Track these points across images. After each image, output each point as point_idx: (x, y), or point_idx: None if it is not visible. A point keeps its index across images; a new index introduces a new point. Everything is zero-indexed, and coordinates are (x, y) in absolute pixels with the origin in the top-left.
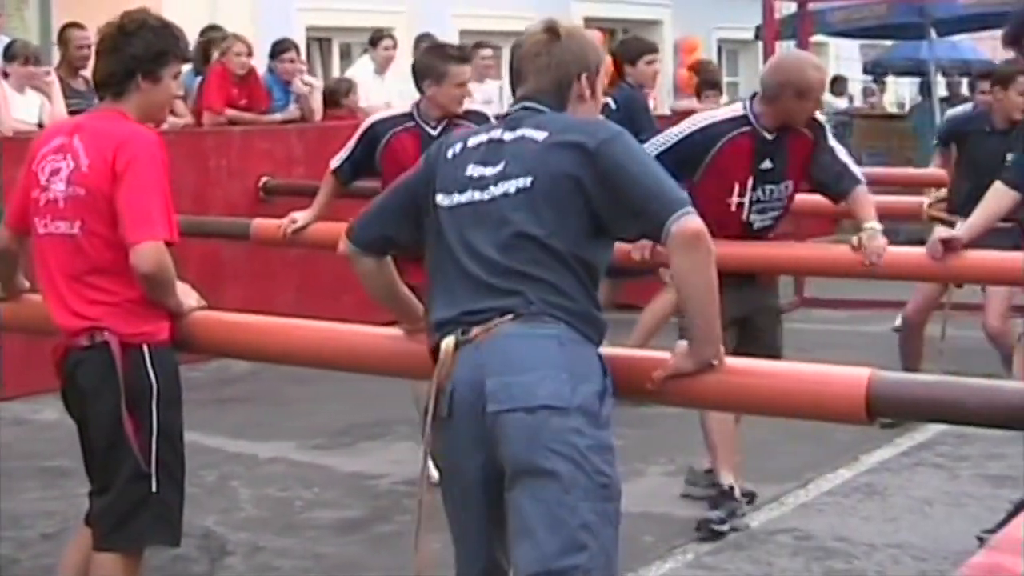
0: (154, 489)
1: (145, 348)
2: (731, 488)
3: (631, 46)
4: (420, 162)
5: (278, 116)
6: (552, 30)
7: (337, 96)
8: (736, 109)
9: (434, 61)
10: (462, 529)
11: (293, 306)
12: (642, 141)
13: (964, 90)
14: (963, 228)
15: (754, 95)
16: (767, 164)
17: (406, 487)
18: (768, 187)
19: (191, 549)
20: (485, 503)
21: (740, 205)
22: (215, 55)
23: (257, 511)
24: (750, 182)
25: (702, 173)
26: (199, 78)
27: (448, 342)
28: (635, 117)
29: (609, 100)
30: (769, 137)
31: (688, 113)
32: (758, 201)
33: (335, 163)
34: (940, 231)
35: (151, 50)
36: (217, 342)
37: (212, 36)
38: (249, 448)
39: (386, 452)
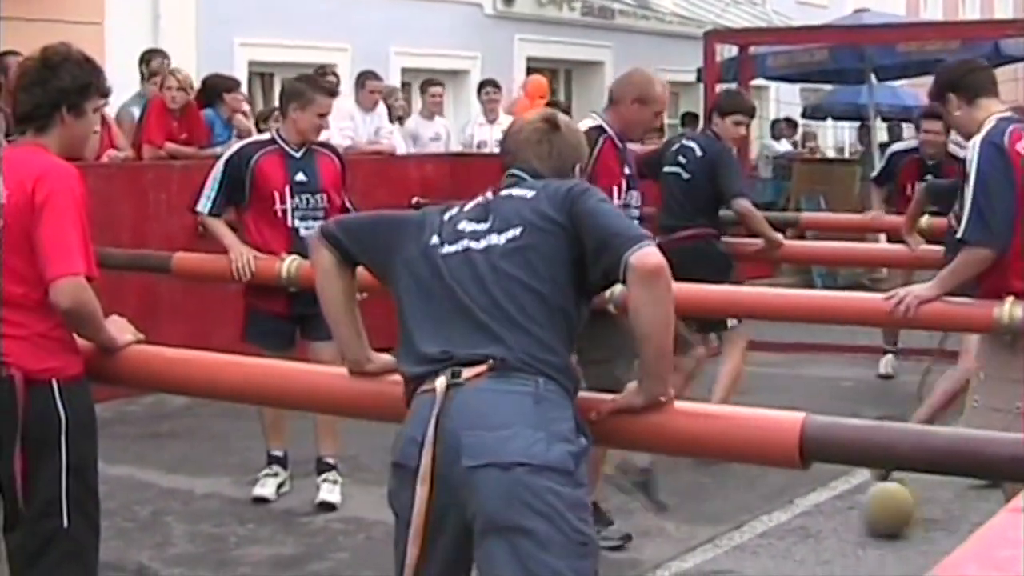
0: (65, 525)
1: (54, 383)
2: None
3: (729, 101)
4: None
5: (218, 150)
6: (551, 120)
7: (268, 119)
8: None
9: (304, 88)
10: None
11: (232, 342)
12: (725, 192)
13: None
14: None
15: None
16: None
17: (341, 524)
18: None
19: None
20: (452, 560)
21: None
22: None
23: (191, 547)
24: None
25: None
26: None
27: (441, 383)
28: (718, 167)
29: (693, 144)
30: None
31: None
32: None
33: (204, 207)
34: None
35: (76, 83)
36: (154, 377)
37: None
38: (184, 483)
39: None
